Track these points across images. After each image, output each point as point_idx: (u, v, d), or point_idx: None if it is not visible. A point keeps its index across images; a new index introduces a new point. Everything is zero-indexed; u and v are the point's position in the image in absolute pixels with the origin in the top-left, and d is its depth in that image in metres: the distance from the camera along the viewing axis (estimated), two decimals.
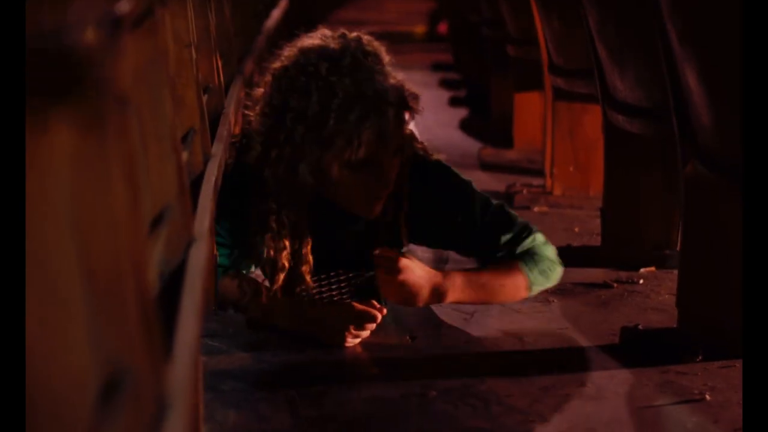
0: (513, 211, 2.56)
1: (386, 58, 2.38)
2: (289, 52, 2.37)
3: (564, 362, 2.40)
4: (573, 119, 3.92)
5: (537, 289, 2.53)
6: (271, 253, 2.40)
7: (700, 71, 2.19)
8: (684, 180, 2.44)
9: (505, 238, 2.49)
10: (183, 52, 2.24)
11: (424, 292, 2.41)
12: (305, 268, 2.44)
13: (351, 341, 2.39)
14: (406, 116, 2.37)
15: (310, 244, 2.43)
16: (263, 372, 2.32)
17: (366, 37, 2.39)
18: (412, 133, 2.50)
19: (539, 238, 2.53)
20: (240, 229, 2.46)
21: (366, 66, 2.31)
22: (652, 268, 3.10)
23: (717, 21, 2.09)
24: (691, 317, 2.48)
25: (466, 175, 3.01)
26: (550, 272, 2.52)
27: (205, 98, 2.64)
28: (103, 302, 1.07)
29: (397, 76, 2.36)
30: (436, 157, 2.57)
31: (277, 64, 2.38)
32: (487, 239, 2.50)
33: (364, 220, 2.47)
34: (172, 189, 1.68)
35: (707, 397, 2.20)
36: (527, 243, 2.50)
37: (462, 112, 6.10)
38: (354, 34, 2.38)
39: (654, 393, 2.24)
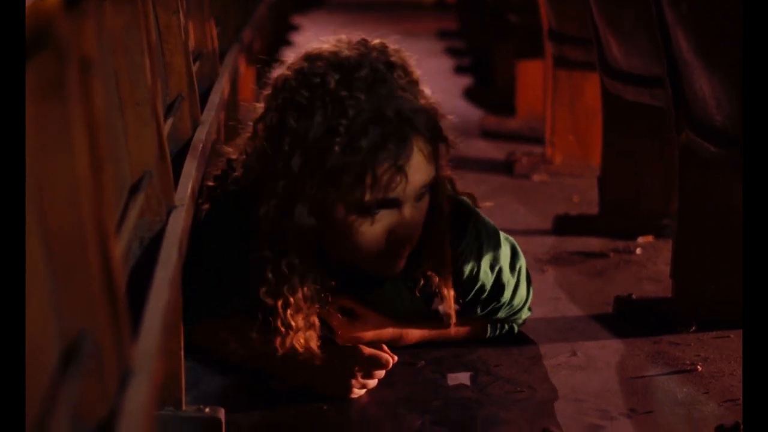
0: (527, 282, 2.22)
1: (416, 72, 1.93)
2: (294, 58, 1.93)
3: (555, 332, 2.39)
4: (573, 87, 3.89)
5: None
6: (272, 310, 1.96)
7: (694, 40, 2.17)
8: (678, 149, 2.42)
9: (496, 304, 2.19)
10: (171, 18, 2.22)
11: (386, 330, 2.12)
12: (310, 334, 1.97)
13: (357, 392, 1.99)
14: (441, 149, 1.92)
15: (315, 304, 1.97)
16: None
17: (393, 47, 1.93)
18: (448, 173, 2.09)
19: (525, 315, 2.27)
20: (232, 279, 2.03)
21: (389, 80, 1.85)
22: (650, 237, 3.09)
23: None
24: (686, 287, 2.47)
25: (468, 144, 2.95)
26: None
27: (196, 65, 2.63)
28: (64, 267, 1.06)
29: (427, 96, 1.92)
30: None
31: (277, 73, 1.94)
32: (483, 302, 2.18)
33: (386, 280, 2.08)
34: (152, 155, 1.66)
35: (699, 367, 2.19)
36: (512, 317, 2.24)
37: (466, 80, 6.07)
38: (377, 41, 1.94)
39: (645, 363, 2.23)
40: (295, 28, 7.90)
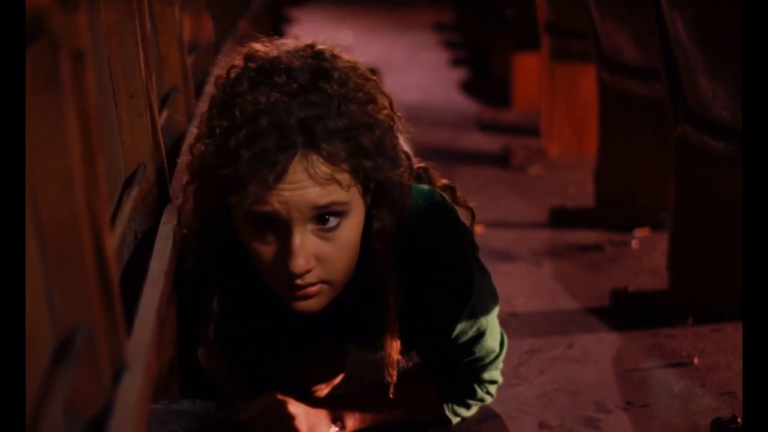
0: (495, 329, 1.86)
1: (364, 89, 1.63)
2: (233, 57, 1.70)
3: (552, 325, 2.39)
4: (570, 80, 3.89)
5: (453, 418, 1.90)
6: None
7: (691, 31, 2.16)
8: (675, 142, 2.42)
9: (465, 359, 1.86)
10: (165, 10, 2.21)
11: (322, 415, 1.81)
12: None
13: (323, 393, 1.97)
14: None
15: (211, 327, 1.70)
16: None
17: (346, 57, 1.66)
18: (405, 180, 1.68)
19: (494, 373, 1.90)
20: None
21: (311, 89, 1.58)
22: (646, 230, 3.08)
23: None
24: (682, 280, 2.46)
25: (464, 137, 2.93)
26: (472, 406, 1.92)
27: (192, 58, 2.62)
28: (58, 260, 1.05)
29: (376, 118, 1.62)
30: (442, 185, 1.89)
31: (217, 71, 1.70)
32: (450, 352, 1.85)
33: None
34: (146, 148, 1.66)
35: (695, 360, 2.19)
36: (477, 375, 1.89)
37: (463, 73, 6.06)
38: (327, 47, 1.66)
39: (642, 356, 2.22)
40: (290, 21, 7.89)
